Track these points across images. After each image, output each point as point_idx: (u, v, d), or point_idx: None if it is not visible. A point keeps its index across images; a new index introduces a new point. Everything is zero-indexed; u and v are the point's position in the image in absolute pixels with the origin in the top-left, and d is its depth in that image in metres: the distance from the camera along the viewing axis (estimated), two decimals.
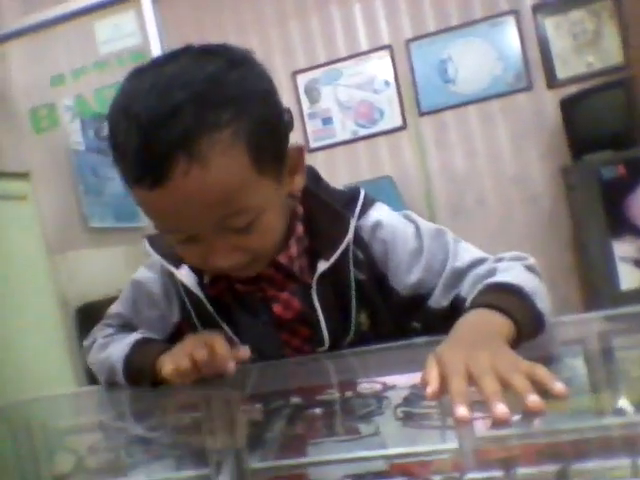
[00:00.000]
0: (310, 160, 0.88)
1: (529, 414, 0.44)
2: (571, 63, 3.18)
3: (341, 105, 3.49)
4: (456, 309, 0.72)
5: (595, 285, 2.74)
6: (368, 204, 0.83)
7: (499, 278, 0.68)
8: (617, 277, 2.61)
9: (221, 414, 0.68)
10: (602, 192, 2.63)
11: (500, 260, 0.76)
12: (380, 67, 3.44)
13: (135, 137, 0.63)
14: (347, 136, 3.49)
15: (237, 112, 0.64)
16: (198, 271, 0.82)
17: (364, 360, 0.77)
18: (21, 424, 0.87)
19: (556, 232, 3.16)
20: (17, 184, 2.27)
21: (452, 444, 0.46)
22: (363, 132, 3.47)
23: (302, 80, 3.52)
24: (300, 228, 0.80)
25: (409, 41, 3.38)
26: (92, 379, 0.96)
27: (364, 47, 3.46)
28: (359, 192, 0.84)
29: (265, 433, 0.55)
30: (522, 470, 0.38)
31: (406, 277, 0.78)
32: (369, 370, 0.74)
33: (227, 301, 0.83)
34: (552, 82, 3.21)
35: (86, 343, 0.95)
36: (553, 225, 3.18)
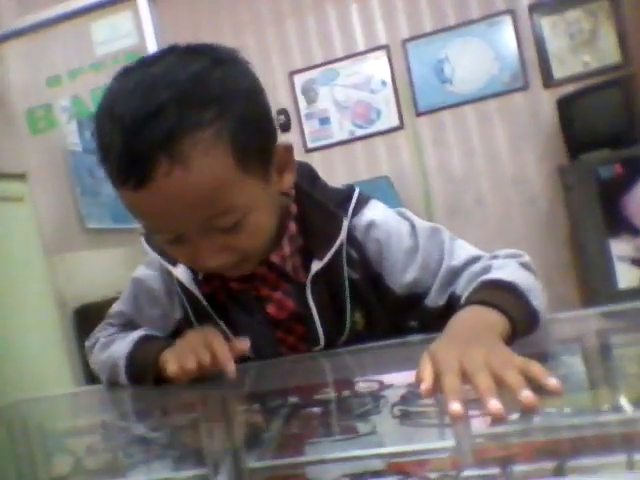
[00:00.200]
0: (307, 160, 0.88)
1: (523, 410, 0.44)
2: (568, 63, 3.19)
3: (338, 105, 3.50)
4: (451, 307, 0.72)
5: (593, 284, 2.75)
6: (362, 202, 0.83)
7: (493, 275, 0.68)
8: (615, 276, 2.61)
9: (219, 414, 0.68)
10: (599, 191, 2.64)
11: (495, 257, 0.76)
12: (377, 67, 3.44)
13: (118, 138, 0.63)
14: (344, 136, 3.49)
15: (220, 111, 0.64)
16: (193, 268, 0.82)
17: (361, 359, 0.77)
18: (19, 424, 0.87)
19: (554, 231, 3.16)
20: (14, 185, 2.26)
21: (449, 442, 0.46)
22: (360, 132, 3.47)
23: (299, 80, 3.52)
24: (293, 227, 0.80)
25: (406, 41, 3.38)
26: (90, 380, 0.96)
27: (361, 47, 3.46)
28: (353, 191, 0.83)
29: (263, 432, 0.55)
30: (519, 467, 0.38)
31: (402, 276, 0.78)
32: (366, 369, 0.74)
33: (222, 299, 0.83)
34: (549, 82, 3.21)
35: (88, 344, 0.95)
36: (551, 224, 3.18)
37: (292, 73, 3.52)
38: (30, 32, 2.65)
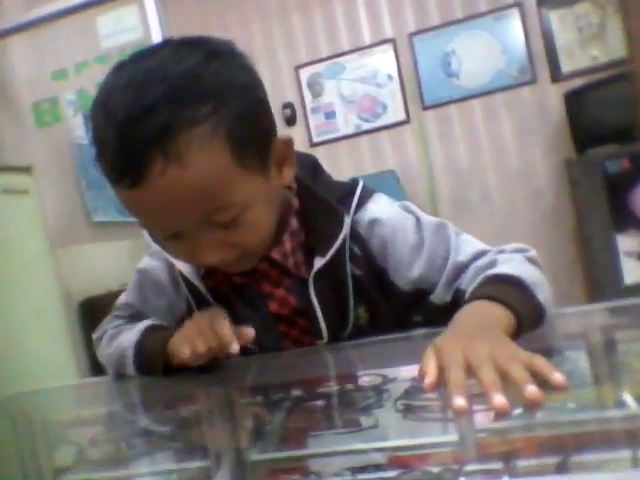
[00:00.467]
0: (313, 154, 0.87)
1: (528, 405, 0.44)
2: (576, 57, 3.16)
3: (344, 99, 3.48)
4: (456, 302, 0.71)
5: (598, 279, 2.73)
6: (366, 197, 0.81)
7: (499, 270, 0.68)
8: (620, 271, 2.60)
9: (222, 407, 0.68)
10: (606, 186, 2.62)
11: (501, 252, 0.75)
12: (383, 61, 3.42)
13: (112, 135, 0.62)
14: (350, 130, 3.48)
15: (216, 106, 0.62)
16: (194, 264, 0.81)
17: (364, 352, 0.77)
18: (22, 416, 0.88)
19: (560, 226, 3.15)
20: (20, 178, 2.27)
21: (452, 436, 0.46)
22: (366, 126, 3.46)
23: (305, 74, 3.51)
24: (295, 222, 0.79)
25: (412, 35, 3.37)
26: (95, 373, 0.96)
27: (367, 41, 3.45)
28: (357, 184, 0.82)
29: (266, 426, 0.55)
30: (522, 462, 0.38)
31: (408, 272, 0.77)
32: (369, 362, 0.74)
33: (225, 292, 0.83)
34: (556, 76, 3.19)
35: (95, 336, 0.95)
36: (557, 219, 3.17)
37: (298, 67, 3.51)
38: (36, 26, 2.65)
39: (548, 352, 0.59)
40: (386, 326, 0.80)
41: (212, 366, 0.75)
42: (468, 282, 0.72)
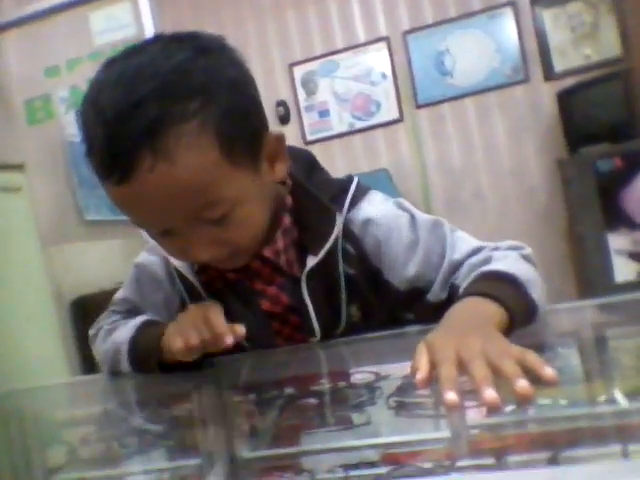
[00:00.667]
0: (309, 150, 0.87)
1: (519, 400, 0.44)
2: (568, 55, 3.17)
3: (338, 97, 3.48)
4: (451, 298, 0.71)
5: (590, 277, 2.75)
6: (360, 195, 0.81)
7: (493, 266, 0.68)
8: (612, 270, 2.62)
9: (214, 405, 0.68)
10: (598, 185, 2.63)
11: (496, 249, 0.75)
12: (377, 59, 3.43)
13: (100, 132, 0.62)
14: (344, 129, 3.48)
15: (205, 102, 0.62)
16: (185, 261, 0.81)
17: (357, 350, 0.77)
18: (13, 414, 0.87)
19: (552, 224, 3.16)
20: (12, 175, 2.25)
21: (444, 433, 0.46)
22: (360, 125, 3.46)
23: (299, 72, 3.51)
24: (287, 220, 0.79)
25: (406, 33, 3.37)
26: (87, 372, 0.96)
27: (361, 39, 3.45)
28: (351, 182, 0.82)
29: (258, 423, 0.55)
30: (514, 458, 0.38)
31: (403, 271, 0.77)
32: (362, 360, 0.74)
33: (219, 288, 0.82)
34: (549, 75, 3.20)
35: (92, 332, 0.94)
36: (549, 218, 3.18)
37: (292, 65, 3.51)
38: (28, 22, 2.63)
39: (539, 348, 0.59)
40: (379, 324, 0.80)
41: (205, 363, 0.75)
42: (462, 278, 0.72)
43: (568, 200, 3.00)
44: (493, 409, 0.43)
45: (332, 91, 3.48)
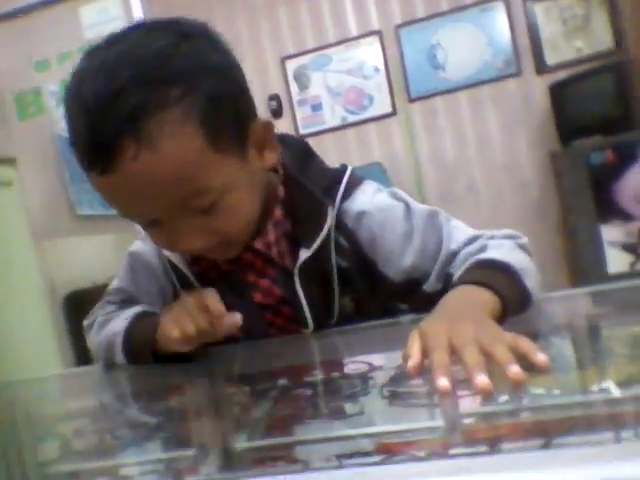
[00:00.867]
0: (304, 139, 0.86)
1: (511, 385, 0.44)
2: (560, 49, 3.18)
3: (330, 91, 3.48)
4: (446, 287, 0.71)
5: (583, 269, 2.76)
6: (353, 185, 0.80)
7: (488, 255, 0.68)
8: (605, 261, 2.63)
9: (208, 395, 0.68)
10: (590, 177, 2.65)
11: (492, 237, 0.75)
12: (370, 53, 3.42)
13: (83, 122, 0.61)
14: (337, 122, 3.47)
15: (188, 88, 0.61)
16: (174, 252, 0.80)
17: (350, 340, 0.77)
18: (7, 407, 0.87)
19: (545, 217, 3.18)
20: (3, 170, 2.24)
21: (438, 422, 0.47)
22: (352, 118, 3.46)
23: (291, 66, 3.50)
24: (279, 212, 0.78)
25: (399, 26, 3.36)
26: (80, 366, 0.95)
27: (353, 33, 3.44)
28: (344, 173, 0.81)
29: (252, 414, 0.55)
30: (506, 445, 0.38)
31: (399, 262, 0.77)
32: (356, 350, 0.74)
33: (212, 277, 0.82)
34: (541, 68, 3.21)
35: (86, 322, 0.93)
36: (542, 210, 3.20)
37: (284, 59, 3.49)
38: (18, 15, 2.61)
39: (532, 336, 0.60)
40: (372, 314, 0.80)
41: (199, 355, 0.74)
42: (457, 267, 0.72)
43: (561, 192, 3.01)
44: (486, 395, 0.43)
45: (325, 85, 3.48)
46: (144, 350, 0.78)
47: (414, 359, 0.49)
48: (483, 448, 0.39)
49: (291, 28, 3.49)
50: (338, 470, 0.38)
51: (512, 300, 0.61)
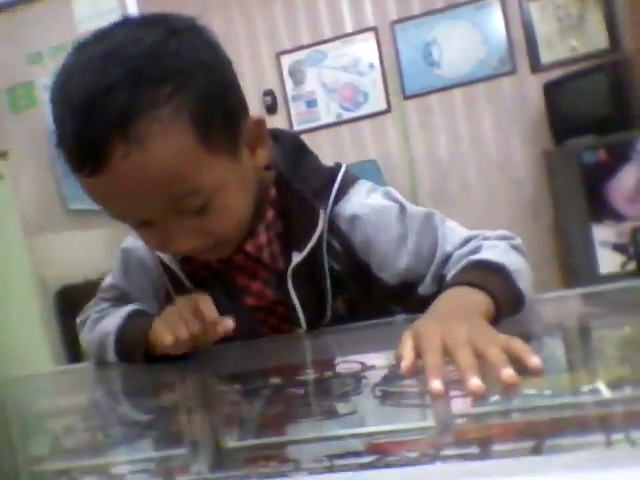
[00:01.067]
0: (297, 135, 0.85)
1: (504, 388, 0.44)
2: (555, 47, 3.19)
3: (326, 87, 3.47)
4: (440, 289, 0.71)
5: (575, 269, 2.78)
6: (347, 185, 0.79)
7: (481, 256, 0.68)
8: (596, 261, 2.64)
9: (200, 394, 0.68)
10: (583, 176, 2.66)
11: (486, 239, 0.74)
12: (365, 49, 3.42)
13: (70, 122, 0.60)
14: (331, 119, 3.47)
15: (178, 86, 0.60)
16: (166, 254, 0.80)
17: (343, 339, 0.77)
18: None
19: (537, 216, 3.19)
20: None
21: (430, 422, 0.47)
22: (347, 115, 3.45)
23: (286, 61, 3.49)
24: (271, 214, 0.77)
25: (394, 23, 3.36)
26: (72, 362, 0.95)
27: (349, 29, 3.43)
28: (337, 173, 0.80)
29: (244, 413, 0.55)
30: (498, 447, 0.38)
31: (393, 265, 0.76)
32: (348, 349, 0.74)
33: (204, 276, 0.81)
34: (536, 66, 3.21)
35: (79, 320, 0.93)
36: (535, 209, 3.21)
37: (279, 54, 3.48)
38: (11, 8, 2.59)
39: (524, 337, 0.60)
40: (366, 316, 0.80)
41: (192, 354, 0.74)
42: (451, 267, 0.72)
43: (553, 192, 3.02)
44: (478, 398, 0.43)
45: (320, 81, 3.47)
46: (136, 351, 0.77)
47: (407, 360, 0.49)
48: (474, 449, 0.39)
49: (286, 23, 3.47)
50: (328, 474, 0.38)
51: (506, 302, 0.61)
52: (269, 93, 3.45)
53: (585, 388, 0.47)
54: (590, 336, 0.68)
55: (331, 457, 0.40)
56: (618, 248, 2.64)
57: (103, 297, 0.91)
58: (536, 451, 0.35)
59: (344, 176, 0.80)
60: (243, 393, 0.62)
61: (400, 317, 0.77)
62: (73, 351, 0.95)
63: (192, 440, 0.51)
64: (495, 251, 0.69)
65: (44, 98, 2.78)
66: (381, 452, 0.41)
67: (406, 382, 0.50)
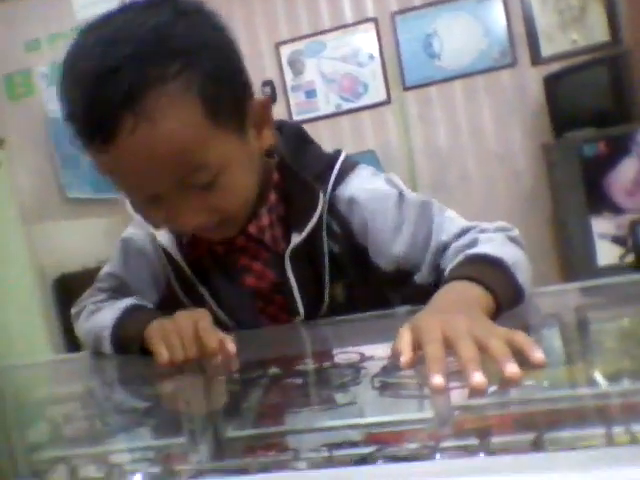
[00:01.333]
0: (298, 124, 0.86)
1: (506, 383, 0.44)
2: (556, 40, 3.17)
3: (325, 78, 3.45)
4: (438, 282, 0.71)
5: (573, 261, 2.78)
6: (347, 170, 0.80)
7: (479, 249, 0.67)
8: (595, 253, 2.65)
9: (198, 384, 0.68)
10: (583, 169, 2.65)
11: (483, 231, 0.74)
12: (365, 40, 3.39)
13: (80, 96, 0.61)
14: (331, 110, 3.45)
15: (186, 64, 0.61)
16: (174, 232, 0.80)
17: (342, 330, 0.77)
18: None
19: (536, 208, 3.18)
20: None
21: (428, 413, 0.47)
22: (347, 106, 3.44)
23: (285, 52, 3.46)
24: (273, 197, 0.78)
25: (395, 14, 3.34)
26: (70, 350, 0.95)
27: (349, 19, 3.41)
28: (337, 158, 0.81)
29: (242, 403, 0.55)
30: (497, 439, 0.38)
31: (389, 251, 0.77)
32: (347, 340, 0.74)
33: (206, 264, 0.81)
34: (536, 59, 3.20)
35: (74, 311, 0.92)
36: (534, 201, 3.20)
37: (278, 44, 3.46)
38: None
39: (523, 330, 0.60)
40: (364, 305, 0.80)
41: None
42: (448, 261, 0.72)
43: (553, 184, 3.02)
44: (478, 392, 0.43)
45: (319, 71, 3.45)
46: (131, 346, 0.77)
47: (406, 355, 0.49)
48: (473, 441, 0.39)
49: (286, 13, 3.45)
50: (323, 470, 0.38)
51: (505, 295, 0.60)
52: (268, 83, 3.43)
53: (584, 380, 0.47)
54: (589, 329, 0.68)
55: (330, 447, 0.40)
56: (617, 240, 2.64)
57: (100, 287, 0.91)
58: (536, 444, 0.35)
59: (344, 161, 0.81)
60: (242, 383, 0.62)
61: (400, 309, 0.77)
62: (72, 339, 0.94)
63: (191, 429, 0.51)
64: (493, 244, 0.69)
65: (42, 86, 2.76)
66: (380, 443, 0.41)
67: (405, 373, 0.50)
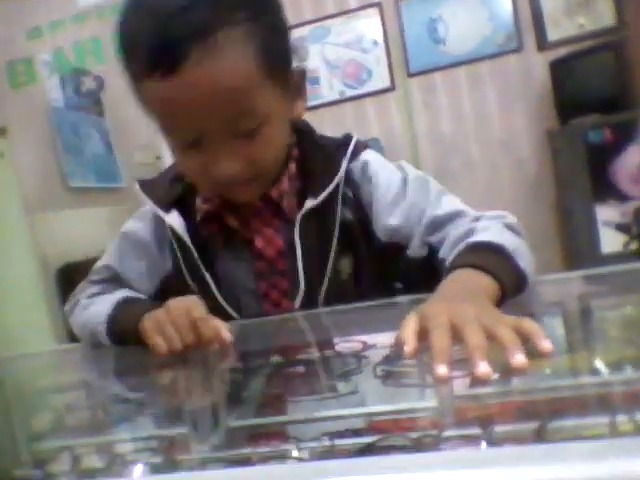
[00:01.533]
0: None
1: (512, 372, 0.43)
2: (562, 25, 3.13)
3: (329, 64, 3.43)
4: (431, 261, 0.75)
5: (577, 248, 2.77)
6: (360, 148, 0.85)
7: (479, 237, 0.67)
8: (599, 241, 2.63)
9: (200, 373, 0.68)
10: (587, 156, 2.63)
11: (478, 219, 0.74)
12: (369, 26, 3.36)
13: (150, 26, 0.64)
14: (334, 97, 3.43)
15: (251, 14, 0.67)
16: (188, 216, 0.82)
17: (345, 319, 0.77)
18: None
19: (541, 195, 3.17)
20: None
21: (431, 402, 0.46)
22: (350, 92, 3.41)
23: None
24: (293, 168, 0.82)
25: None
26: (73, 340, 0.95)
27: (353, 4, 3.38)
28: (351, 138, 0.86)
29: (244, 392, 0.55)
30: (500, 428, 0.38)
31: (386, 220, 0.80)
32: (350, 329, 0.74)
33: (215, 245, 0.83)
34: (542, 44, 3.16)
35: (67, 306, 0.93)
36: (538, 188, 3.19)
37: None
38: None
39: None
40: (366, 287, 0.80)
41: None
42: (447, 251, 0.72)
43: (557, 171, 3.00)
44: (482, 382, 0.43)
45: (323, 58, 3.42)
46: (128, 340, 0.77)
47: (410, 345, 0.48)
48: (476, 430, 0.38)
49: None
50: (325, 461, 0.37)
51: (509, 283, 0.60)
52: None
53: (587, 369, 0.46)
54: (592, 317, 0.67)
55: (332, 436, 0.40)
56: (621, 228, 2.63)
57: (93, 280, 0.91)
58: (539, 433, 0.35)
59: (357, 141, 0.86)
60: (244, 372, 0.62)
61: (404, 297, 0.77)
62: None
63: (193, 419, 0.51)
64: (492, 232, 0.69)
65: (44, 75, 2.75)
66: (382, 432, 0.40)
67: (408, 362, 0.50)
